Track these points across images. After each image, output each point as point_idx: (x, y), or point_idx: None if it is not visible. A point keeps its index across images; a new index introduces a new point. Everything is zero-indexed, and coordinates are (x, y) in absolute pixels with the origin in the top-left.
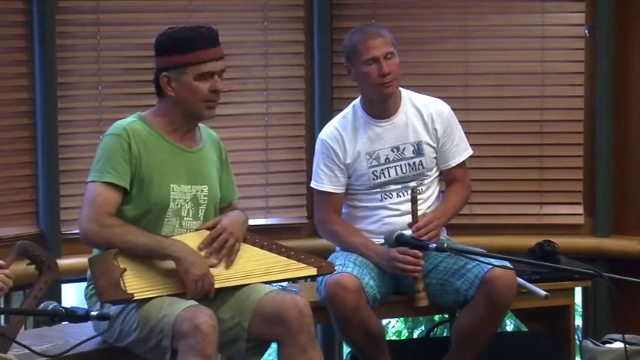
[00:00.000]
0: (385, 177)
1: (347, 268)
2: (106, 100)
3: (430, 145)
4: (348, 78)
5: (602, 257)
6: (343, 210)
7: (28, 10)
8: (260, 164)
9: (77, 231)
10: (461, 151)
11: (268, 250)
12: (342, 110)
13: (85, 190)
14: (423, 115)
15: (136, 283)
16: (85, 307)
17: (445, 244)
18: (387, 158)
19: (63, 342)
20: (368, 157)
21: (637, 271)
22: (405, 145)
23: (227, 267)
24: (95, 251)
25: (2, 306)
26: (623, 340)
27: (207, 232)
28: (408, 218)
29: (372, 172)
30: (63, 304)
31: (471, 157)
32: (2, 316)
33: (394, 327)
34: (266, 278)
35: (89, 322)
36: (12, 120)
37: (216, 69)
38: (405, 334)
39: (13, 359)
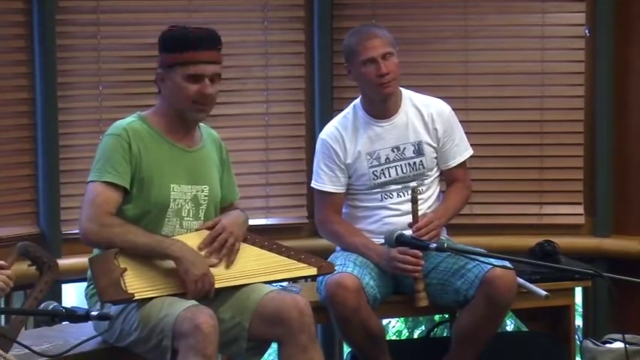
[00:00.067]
0: (385, 177)
1: (347, 268)
2: (106, 100)
3: (430, 145)
4: (348, 78)
5: (602, 257)
6: (343, 210)
7: (28, 10)
8: (260, 164)
9: (77, 231)
10: (461, 151)
11: (268, 250)
12: (342, 110)
13: (85, 190)
14: (423, 115)
15: (136, 282)
16: (86, 307)
17: (445, 244)
18: (388, 158)
19: (63, 342)
20: (368, 157)
21: (637, 271)
22: (406, 145)
23: (227, 267)
24: (95, 251)
25: (2, 306)
26: (623, 340)
27: (208, 232)
28: (409, 218)
29: (373, 172)
30: (63, 304)
31: (471, 157)
32: (3, 316)
33: (394, 327)
34: (266, 278)
35: (89, 322)
36: (12, 120)
37: (207, 72)
38: (405, 334)
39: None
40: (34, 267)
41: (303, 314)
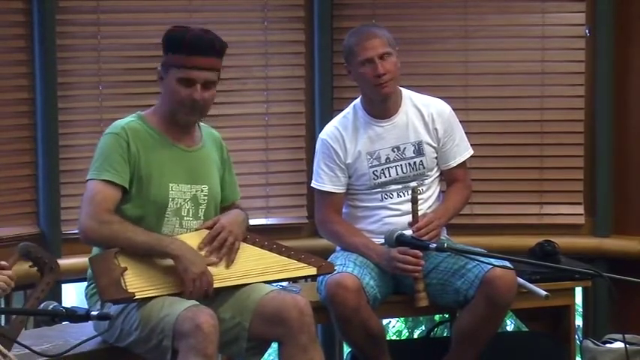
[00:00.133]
0: (386, 177)
1: (347, 268)
2: (107, 100)
3: (431, 145)
4: (348, 78)
5: (602, 257)
6: (344, 210)
7: (28, 10)
8: (260, 164)
9: (77, 230)
10: (461, 151)
11: (268, 250)
12: (342, 110)
13: (85, 188)
14: (423, 115)
15: (137, 282)
16: (86, 306)
17: (445, 244)
18: (388, 158)
19: (63, 342)
20: (368, 157)
21: (637, 271)
22: (406, 145)
23: (227, 266)
24: (95, 250)
25: (3, 306)
26: (623, 340)
27: (207, 232)
28: (409, 218)
29: (373, 172)
30: (63, 304)
31: (471, 157)
32: (3, 316)
33: (394, 327)
34: (266, 278)
35: (89, 322)
36: (12, 120)
37: (198, 78)
38: (405, 334)
39: (12, 358)
40: (35, 268)
41: (303, 314)
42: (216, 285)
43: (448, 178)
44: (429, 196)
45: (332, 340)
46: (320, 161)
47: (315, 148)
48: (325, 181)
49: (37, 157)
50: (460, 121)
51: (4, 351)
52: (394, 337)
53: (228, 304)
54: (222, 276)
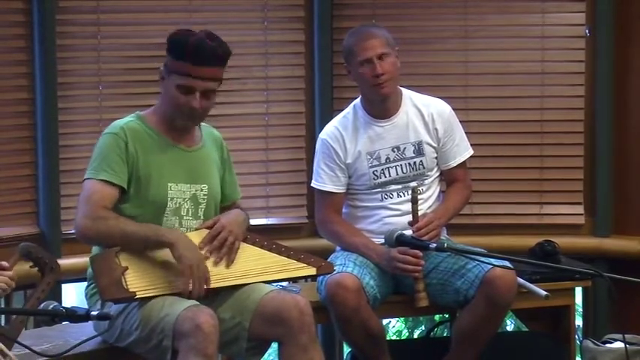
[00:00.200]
0: (386, 177)
1: (347, 268)
2: (106, 100)
3: (431, 145)
4: (348, 78)
5: (602, 257)
6: (344, 210)
7: (28, 10)
8: (260, 164)
9: (73, 230)
10: (461, 151)
11: (268, 250)
12: (342, 110)
13: (82, 187)
14: (423, 115)
15: (137, 281)
16: (86, 306)
17: (445, 244)
18: (388, 158)
19: (63, 342)
20: (369, 157)
21: (637, 271)
22: (406, 145)
23: (227, 266)
24: (95, 250)
25: (3, 306)
26: (623, 340)
27: (207, 232)
28: (409, 218)
29: (373, 172)
30: (63, 304)
31: (471, 157)
32: (3, 316)
33: (394, 327)
34: (266, 278)
35: (89, 322)
36: (12, 120)
37: (198, 87)
38: (405, 334)
39: (13, 357)
40: (35, 268)
41: (303, 314)
42: (216, 285)
43: (448, 178)
44: (429, 196)
45: (332, 340)
46: (320, 161)
47: (315, 148)
48: (325, 180)
49: (37, 157)
50: (460, 121)
51: (5, 350)
52: (394, 337)
53: (228, 304)
54: (222, 276)
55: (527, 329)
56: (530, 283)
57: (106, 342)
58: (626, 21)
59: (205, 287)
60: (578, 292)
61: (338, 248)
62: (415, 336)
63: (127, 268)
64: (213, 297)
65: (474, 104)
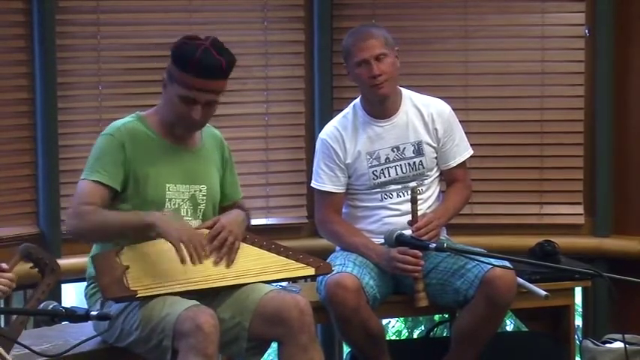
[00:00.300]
0: (385, 177)
1: (347, 268)
2: (106, 100)
3: (430, 145)
4: (347, 78)
5: (602, 257)
6: (343, 210)
7: (28, 10)
8: (260, 164)
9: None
10: (461, 151)
11: (267, 250)
12: (342, 110)
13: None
14: (423, 115)
15: (138, 281)
16: (85, 306)
17: (445, 244)
18: (388, 158)
19: (63, 342)
20: (368, 157)
21: (637, 271)
22: (406, 145)
23: (227, 266)
24: (95, 249)
25: (2, 306)
26: (623, 340)
27: (207, 232)
28: (408, 218)
29: (372, 172)
30: (63, 304)
31: (471, 157)
32: (2, 316)
33: (394, 327)
34: (265, 278)
35: (89, 322)
36: (12, 120)
37: (201, 99)
38: (405, 334)
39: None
40: (35, 269)
41: (303, 314)
42: (215, 284)
43: (448, 178)
44: (429, 196)
45: (332, 340)
46: (320, 161)
47: (314, 148)
48: (325, 181)
49: (37, 157)
50: (460, 121)
51: (4, 354)
52: (394, 337)
53: (227, 304)
54: (221, 275)
55: (526, 329)
56: (530, 283)
57: (105, 342)
58: (626, 21)
59: (205, 287)
60: (578, 292)
61: (338, 248)
62: (415, 336)
63: (128, 267)
64: (213, 297)
65: (474, 104)
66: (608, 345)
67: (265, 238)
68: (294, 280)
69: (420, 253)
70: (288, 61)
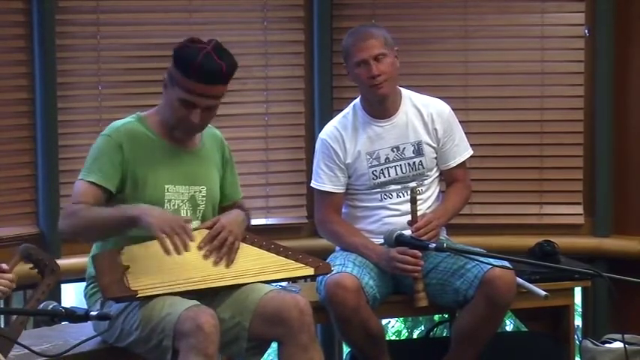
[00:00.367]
0: (385, 177)
1: (347, 268)
2: (106, 100)
3: (430, 145)
4: (347, 78)
5: (602, 257)
6: (343, 210)
7: (28, 10)
8: (260, 164)
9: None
10: (461, 151)
11: (267, 250)
12: (342, 110)
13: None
14: (423, 115)
15: (139, 281)
16: (85, 306)
17: (445, 244)
18: (387, 158)
19: (63, 342)
20: (368, 157)
21: (637, 271)
22: (405, 145)
23: (227, 265)
24: (95, 249)
25: (2, 306)
26: (622, 340)
27: (207, 232)
28: (408, 218)
29: (372, 172)
30: (63, 304)
31: (471, 157)
32: (2, 316)
33: (394, 327)
34: (264, 277)
35: (89, 322)
36: (12, 120)
37: (201, 104)
38: (404, 334)
39: None
40: (35, 270)
41: (303, 314)
42: (215, 284)
43: (448, 178)
44: (429, 197)
45: (331, 340)
46: (320, 161)
47: (314, 148)
48: (325, 181)
49: (36, 157)
50: (460, 121)
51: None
52: (393, 337)
53: (227, 303)
54: (221, 275)
55: (526, 329)
56: (530, 283)
57: (105, 342)
58: (626, 21)
59: (205, 287)
60: (578, 292)
61: (337, 248)
62: (414, 336)
63: (128, 267)
64: (213, 297)
65: (474, 104)
66: (607, 345)
67: (265, 238)
68: (293, 280)
69: (420, 253)
70: (288, 61)
